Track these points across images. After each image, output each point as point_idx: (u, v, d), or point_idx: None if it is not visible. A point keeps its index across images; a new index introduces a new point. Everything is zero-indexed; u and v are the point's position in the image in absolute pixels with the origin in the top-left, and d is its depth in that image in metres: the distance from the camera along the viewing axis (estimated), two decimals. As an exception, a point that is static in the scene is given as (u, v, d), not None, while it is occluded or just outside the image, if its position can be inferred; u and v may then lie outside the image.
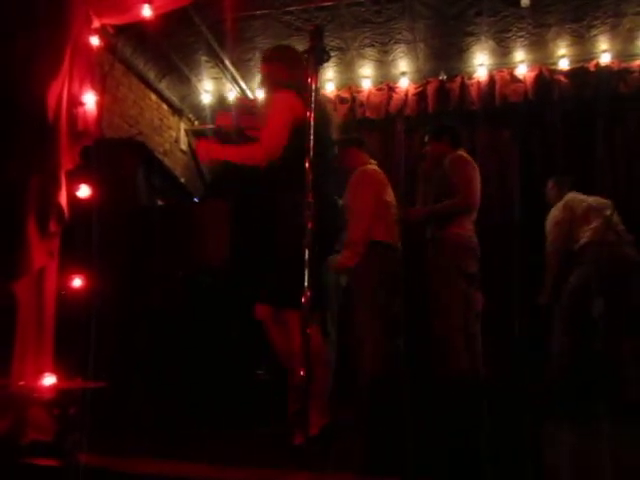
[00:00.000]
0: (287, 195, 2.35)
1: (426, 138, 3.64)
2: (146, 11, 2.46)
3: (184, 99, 5.07)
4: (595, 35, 4.18)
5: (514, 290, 3.73)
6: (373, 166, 3.45)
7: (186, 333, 2.79)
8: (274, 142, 2.41)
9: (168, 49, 4.29)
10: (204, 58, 4.51)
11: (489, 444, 1.59)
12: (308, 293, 1.83)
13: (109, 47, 3.15)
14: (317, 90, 1.99)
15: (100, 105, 2.49)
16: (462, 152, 3.47)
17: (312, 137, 1.92)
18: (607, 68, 4.37)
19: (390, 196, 3.40)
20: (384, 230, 3.30)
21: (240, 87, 4.87)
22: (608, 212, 3.63)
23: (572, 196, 3.80)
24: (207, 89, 4.98)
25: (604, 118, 4.43)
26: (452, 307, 3.26)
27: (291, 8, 3.86)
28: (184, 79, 4.76)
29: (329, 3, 3.81)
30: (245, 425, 2.74)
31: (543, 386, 3.47)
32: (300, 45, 3.63)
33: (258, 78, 4.79)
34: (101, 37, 2.51)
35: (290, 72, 2.52)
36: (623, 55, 4.36)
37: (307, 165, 1.91)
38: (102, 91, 2.75)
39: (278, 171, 2.43)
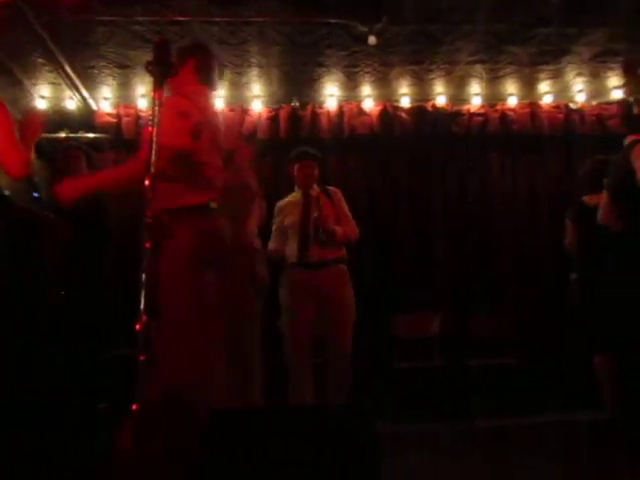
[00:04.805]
0: None
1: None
2: (-37, -1, 2.16)
3: (14, 103, 4.55)
4: (432, 78, 4.55)
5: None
6: None
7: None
8: None
9: (-4, 46, 3.84)
10: (40, 61, 4.09)
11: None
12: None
13: None
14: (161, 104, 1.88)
15: None
16: None
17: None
18: (442, 109, 4.82)
19: None
20: None
21: (82, 95, 4.52)
22: None
23: None
24: (43, 94, 4.54)
25: (439, 154, 4.88)
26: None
27: (140, 18, 3.66)
28: (15, 81, 4.28)
29: (181, 18, 3.68)
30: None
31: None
32: (147, 57, 3.45)
33: (102, 87, 4.50)
34: None
35: None
36: (455, 99, 4.83)
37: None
38: None
39: None
